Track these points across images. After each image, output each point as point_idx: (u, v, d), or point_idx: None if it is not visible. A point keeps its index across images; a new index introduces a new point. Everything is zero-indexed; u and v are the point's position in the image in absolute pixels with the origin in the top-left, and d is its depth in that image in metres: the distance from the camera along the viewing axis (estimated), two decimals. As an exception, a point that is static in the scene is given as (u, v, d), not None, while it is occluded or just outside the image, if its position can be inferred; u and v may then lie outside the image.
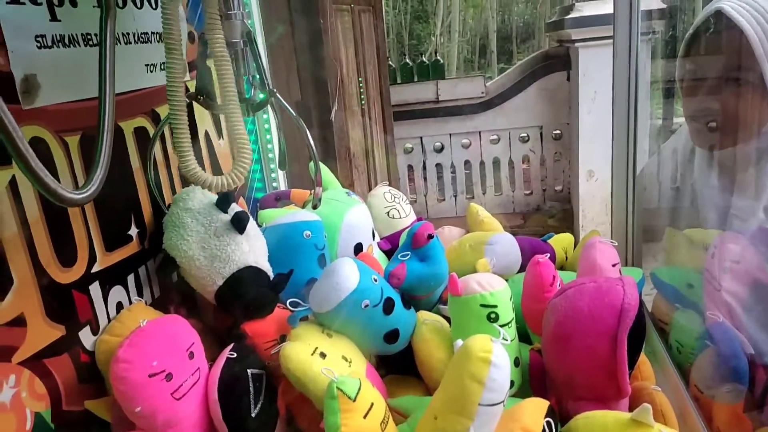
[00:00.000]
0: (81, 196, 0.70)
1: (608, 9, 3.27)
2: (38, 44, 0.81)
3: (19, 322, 0.75)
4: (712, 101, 1.18)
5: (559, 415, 0.83)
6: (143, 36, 1.06)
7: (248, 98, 1.07)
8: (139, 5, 1.05)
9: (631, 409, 0.77)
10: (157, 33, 1.09)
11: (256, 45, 1.02)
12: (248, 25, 0.99)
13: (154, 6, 1.09)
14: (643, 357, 1.01)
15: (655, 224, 1.51)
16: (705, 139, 1.25)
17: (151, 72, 1.08)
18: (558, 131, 4.24)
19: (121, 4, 1.00)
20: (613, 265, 1.10)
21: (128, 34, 1.02)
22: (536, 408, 0.79)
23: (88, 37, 0.89)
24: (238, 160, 0.94)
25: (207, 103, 1.05)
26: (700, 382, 1.01)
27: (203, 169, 1.25)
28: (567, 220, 4.19)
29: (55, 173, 0.83)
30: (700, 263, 1.10)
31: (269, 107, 1.10)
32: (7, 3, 0.75)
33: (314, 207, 1.16)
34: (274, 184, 1.75)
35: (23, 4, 0.79)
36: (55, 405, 0.81)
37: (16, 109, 0.76)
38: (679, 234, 1.33)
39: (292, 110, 1.09)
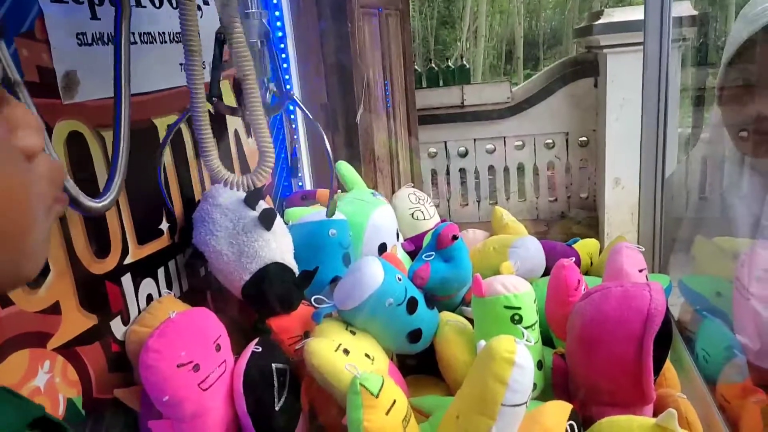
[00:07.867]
0: (99, 204, 0.74)
1: (638, 15, 3.23)
2: (79, 42, 0.84)
3: (54, 309, 0.78)
4: (756, 109, 1.14)
5: (582, 420, 0.83)
6: (179, 35, 1.08)
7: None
8: (175, 5, 1.08)
9: (655, 417, 0.76)
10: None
11: (274, 46, 1.02)
12: (266, 25, 1.00)
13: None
14: (668, 364, 0.99)
15: (682, 234, 1.49)
16: (747, 146, 1.22)
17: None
18: (584, 138, 4.20)
19: (158, 5, 1.03)
20: (640, 271, 1.09)
21: (164, 33, 1.04)
22: (559, 410, 0.78)
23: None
24: (261, 161, 0.94)
25: (221, 106, 1.03)
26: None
27: (232, 167, 1.27)
28: (592, 228, 4.15)
29: (92, 167, 0.86)
30: (729, 272, 1.08)
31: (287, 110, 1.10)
32: (51, 1, 0.78)
33: (329, 215, 1.16)
34: (300, 184, 1.77)
35: (66, 2, 0.82)
36: (87, 392, 0.83)
37: (56, 103, 0.79)
38: (709, 242, 1.31)
39: (308, 113, 1.09)
